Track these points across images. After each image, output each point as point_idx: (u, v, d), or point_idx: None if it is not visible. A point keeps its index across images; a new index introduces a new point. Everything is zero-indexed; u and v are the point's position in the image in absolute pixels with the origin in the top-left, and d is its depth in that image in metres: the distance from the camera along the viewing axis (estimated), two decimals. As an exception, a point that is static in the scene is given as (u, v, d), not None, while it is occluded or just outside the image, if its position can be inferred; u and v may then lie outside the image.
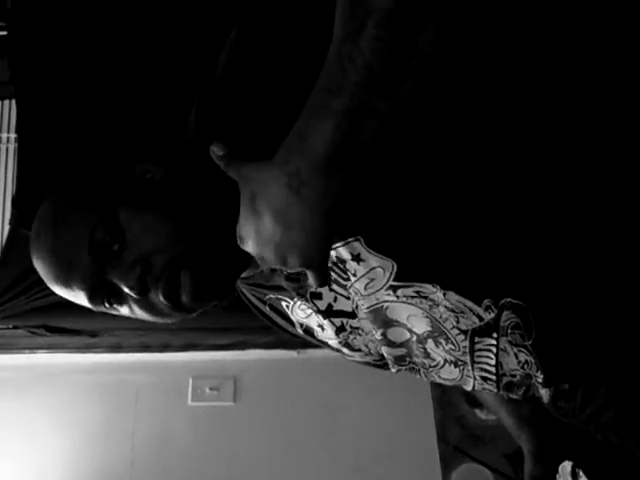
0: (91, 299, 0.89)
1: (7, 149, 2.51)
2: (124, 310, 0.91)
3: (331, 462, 2.70)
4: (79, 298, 0.90)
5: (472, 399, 2.51)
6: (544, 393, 0.94)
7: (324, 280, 0.76)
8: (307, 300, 0.93)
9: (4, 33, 2.25)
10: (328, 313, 0.95)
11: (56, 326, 2.47)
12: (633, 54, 0.84)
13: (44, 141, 2.19)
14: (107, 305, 0.90)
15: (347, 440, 2.74)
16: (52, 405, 2.79)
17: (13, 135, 2.44)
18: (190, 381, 2.86)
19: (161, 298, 0.86)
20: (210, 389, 2.84)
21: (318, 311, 0.94)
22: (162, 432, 2.77)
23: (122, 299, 0.89)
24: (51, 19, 2.20)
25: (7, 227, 2.31)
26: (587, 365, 0.88)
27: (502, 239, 0.81)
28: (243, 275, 0.97)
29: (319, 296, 0.92)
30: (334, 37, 0.67)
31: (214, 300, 0.89)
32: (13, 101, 2.42)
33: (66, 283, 0.89)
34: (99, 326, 2.51)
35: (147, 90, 2.17)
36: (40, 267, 0.91)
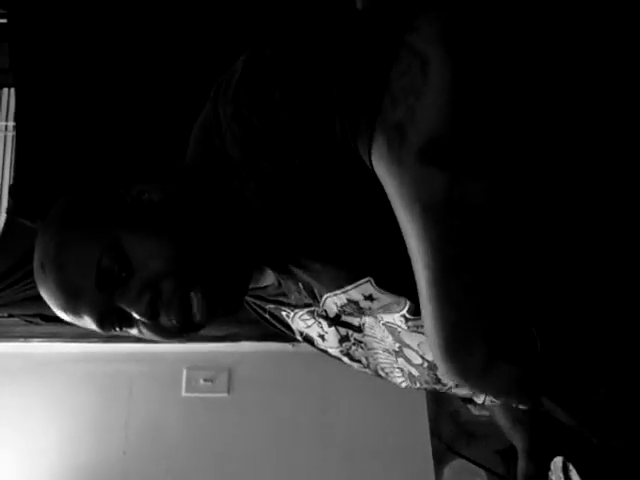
0: (101, 325, 0.89)
1: (5, 137, 2.50)
2: (133, 331, 0.91)
3: (324, 454, 2.71)
4: (88, 324, 0.90)
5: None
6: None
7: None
8: (318, 303, 0.92)
9: (4, 21, 2.24)
10: (336, 321, 0.95)
11: (52, 315, 2.45)
12: (633, 56, 0.84)
13: (43, 130, 2.18)
14: (117, 329, 0.90)
15: (340, 433, 2.75)
16: (46, 394, 2.79)
17: (12, 123, 2.43)
18: (184, 372, 2.86)
19: (174, 322, 0.86)
20: (204, 380, 2.84)
21: (326, 317, 0.94)
22: (156, 422, 2.77)
23: (132, 323, 0.89)
24: (52, 8, 2.19)
25: (4, 216, 2.31)
26: (588, 375, 0.88)
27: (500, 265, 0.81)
28: None
29: None
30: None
31: (226, 314, 0.89)
32: (12, 89, 2.41)
33: (74, 311, 0.89)
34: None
35: (147, 88, 2.17)
36: (47, 297, 0.91)
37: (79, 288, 0.86)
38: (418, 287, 0.72)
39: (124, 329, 0.90)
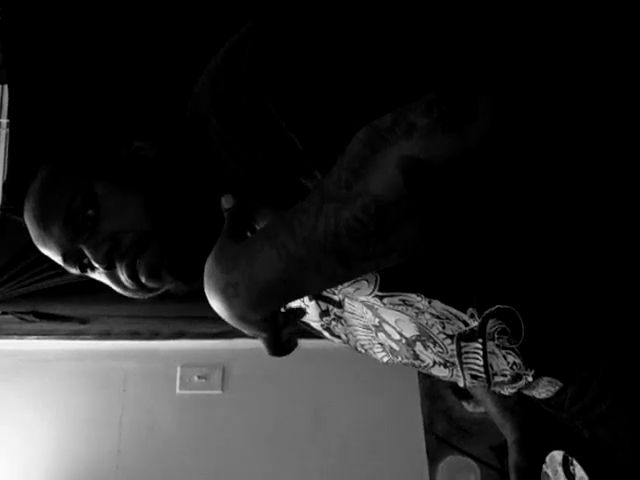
0: (64, 262, 0.94)
1: (-1, 134, 2.49)
2: (94, 275, 0.95)
3: (318, 451, 2.71)
4: (56, 258, 0.94)
5: (459, 391, 2.52)
6: (542, 387, 0.94)
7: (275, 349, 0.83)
8: None
9: (-4, 17, 2.23)
10: (317, 295, 0.96)
11: (45, 312, 2.46)
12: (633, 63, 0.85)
13: (36, 127, 2.18)
14: (78, 270, 0.94)
15: (334, 430, 2.75)
16: (40, 391, 2.80)
17: (5, 120, 2.43)
18: (178, 369, 2.86)
19: (124, 277, 0.90)
20: (198, 377, 2.85)
21: None
22: (150, 420, 2.78)
23: (92, 267, 0.93)
24: (44, 5, 2.19)
25: (-3, 212, 2.30)
26: (577, 363, 0.89)
27: (487, 247, 0.81)
28: None
29: None
30: (323, 183, 0.69)
31: (173, 280, 0.91)
32: (5, 86, 2.40)
33: (44, 244, 0.94)
34: (89, 313, 2.51)
35: (144, 77, 2.17)
36: (27, 225, 0.96)
37: (49, 221, 0.91)
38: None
39: (87, 272, 0.94)
